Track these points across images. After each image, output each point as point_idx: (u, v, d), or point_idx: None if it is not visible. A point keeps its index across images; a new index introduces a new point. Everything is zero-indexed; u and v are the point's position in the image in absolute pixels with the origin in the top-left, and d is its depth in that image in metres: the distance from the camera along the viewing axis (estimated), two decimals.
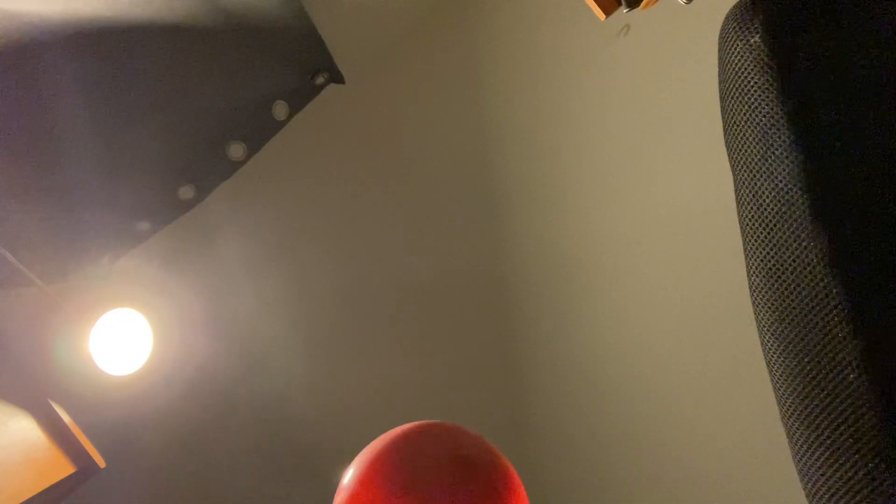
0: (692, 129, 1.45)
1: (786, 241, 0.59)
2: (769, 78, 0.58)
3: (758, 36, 0.58)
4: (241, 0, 1.31)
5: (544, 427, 1.88)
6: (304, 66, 1.53)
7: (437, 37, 1.67)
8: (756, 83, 0.59)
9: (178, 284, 1.78)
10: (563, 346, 1.81)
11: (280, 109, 1.58)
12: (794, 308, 0.59)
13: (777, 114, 0.58)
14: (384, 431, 0.78)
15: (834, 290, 0.55)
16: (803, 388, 0.59)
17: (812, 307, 0.57)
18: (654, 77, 1.47)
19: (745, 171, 0.63)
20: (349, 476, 0.73)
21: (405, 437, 0.75)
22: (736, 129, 0.63)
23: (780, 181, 0.58)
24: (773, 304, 0.62)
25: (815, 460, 0.58)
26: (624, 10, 0.78)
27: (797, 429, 0.60)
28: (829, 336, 0.56)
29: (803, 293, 0.58)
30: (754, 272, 0.64)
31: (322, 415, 1.96)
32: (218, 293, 1.86)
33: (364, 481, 0.71)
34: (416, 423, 0.77)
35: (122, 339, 1.43)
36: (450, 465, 0.71)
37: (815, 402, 0.58)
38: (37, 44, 1.15)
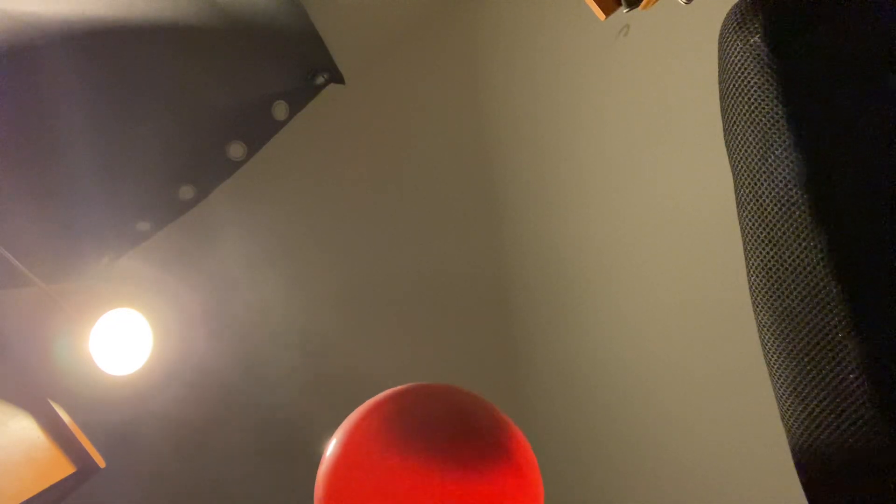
0: (692, 130, 1.44)
1: (786, 241, 0.59)
2: (769, 78, 0.58)
3: (758, 36, 0.58)
4: (241, 1, 1.31)
5: (544, 429, 1.87)
6: (304, 66, 1.53)
7: (437, 37, 1.67)
8: (756, 83, 0.59)
9: (178, 284, 1.78)
10: (562, 346, 1.81)
11: (280, 109, 1.58)
12: (794, 308, 0.59)
13: (777, 114, 0.58)
14: None
15: (834, 291, 0.55)
16: (803, 389, 0.59)
17: (812, 307, 0.57)
18: (654, 77, 1.47)
19: (745, 171, 0.63)
20: (340, 433, 0.68)
21: (401, 392, 0.70)
22: (736, 129, 0.63)
23: (780, 181, 0.58)
24: (773, 305, 0.62)
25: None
26: (624, 10, 0.78)
27: (798, 430, 0.60)
28: (829, 336, 0.56)
29: (803, 293, 0.58)
30: (754, 272, 0.64)
31: (322, 414, 1.95)
32: (218, 293, 1.86)
33: (359, 430, 0.65)
34: (410, 384, 0.73)
35: (122, 339, 1.43)
36: (450, 416, 0.66)
37: (815, 403, 0.58)
38: (37, 44, 1.15)
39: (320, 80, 1.56)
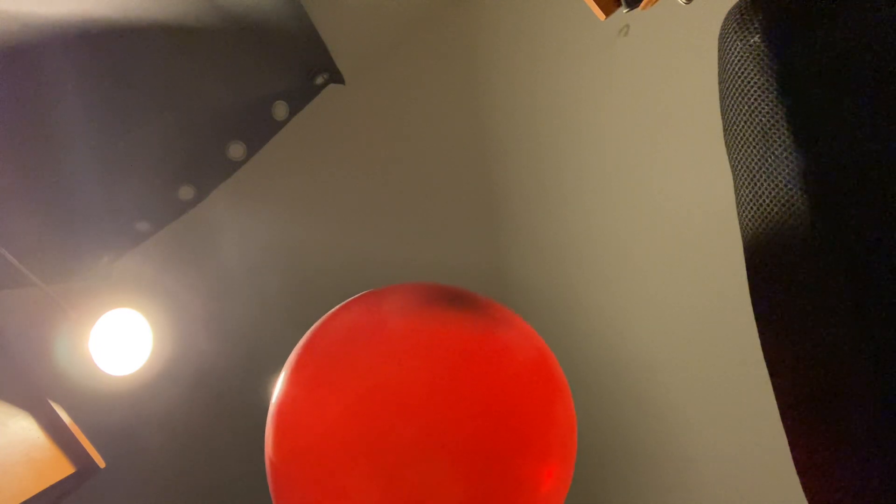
0: (692, 129, 1.44)
1: (785, 242, 0.59)
2: (769, 78, 0.58)
3: (758, 36, 0.58)
4: (241, 0, 1.31)
5: None
6: (304, 66, 1.53)
7: (437, 37, 1.67)
8: (756, 83, 0.59)
9: (178, 284, 1.78)
10: (561, 345, 1.81)
11: (280, 109, 1.58)
12: (794, 308, 0.59)
13: (777, 114, 0.58)
14: None
15: (834, 290, 0.55)
16: (805, 386, 0.59)
17: (812, 307, 0.57)
18: (654, 77, 1.47)
19: (745, 171, 0.63)
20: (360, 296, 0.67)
21: (377, 291, 0.71)
22: (736, 129, 0.63)
23: (780, 181, 0.58)
24: (773, 305, 0.62)
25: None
26: (624, 10, 0.78)
27: (797, 431, 0.60)
28: (831, 336, 0.56)
29: (803, 293, 0.58)
30: (754, 272, 0.64)
31: None
32: (217, 293, 1.86)
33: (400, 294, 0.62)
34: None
35: (122, 339, 1.43)
36: (439, 293, 0.66)
37: (817, 405, 0.58)
38: (37, 44, 1.15)
39: (320, 80, 1.56)
